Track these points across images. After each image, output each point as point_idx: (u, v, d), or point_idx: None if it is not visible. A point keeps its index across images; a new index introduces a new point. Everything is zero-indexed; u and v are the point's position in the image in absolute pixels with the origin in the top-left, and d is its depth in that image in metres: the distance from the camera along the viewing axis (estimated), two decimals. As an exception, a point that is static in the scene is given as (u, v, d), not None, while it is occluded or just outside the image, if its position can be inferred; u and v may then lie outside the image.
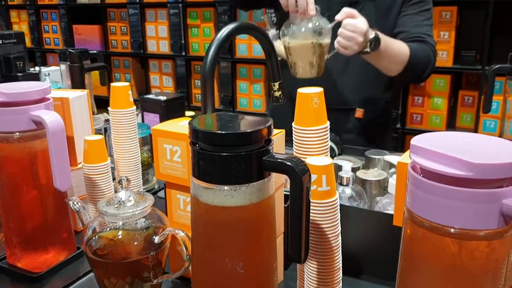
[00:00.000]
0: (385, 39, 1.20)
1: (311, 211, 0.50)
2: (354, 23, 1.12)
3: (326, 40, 1.15)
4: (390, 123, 1.65)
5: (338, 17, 1.14)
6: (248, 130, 0.43)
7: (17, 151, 0.67)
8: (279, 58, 1.02)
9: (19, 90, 0.66)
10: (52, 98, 0.71)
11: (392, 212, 0.69)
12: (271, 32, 1.25)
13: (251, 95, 3.05)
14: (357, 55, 1.27)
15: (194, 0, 3.06)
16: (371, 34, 1.15)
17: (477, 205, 0.36)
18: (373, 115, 1.46)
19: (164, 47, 3.26)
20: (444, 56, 2.44)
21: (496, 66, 1.22)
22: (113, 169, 0.82)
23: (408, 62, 1.27)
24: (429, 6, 1.39)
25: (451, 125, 2.58)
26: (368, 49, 1.16)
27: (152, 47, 3.32)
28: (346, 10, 1.14)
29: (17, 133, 0.66)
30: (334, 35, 1.16)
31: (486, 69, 2.25)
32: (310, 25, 1.13)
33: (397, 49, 1.26)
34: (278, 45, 1.23)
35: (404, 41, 1.30)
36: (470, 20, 2.49)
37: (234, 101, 3.11)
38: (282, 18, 1.20)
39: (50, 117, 0.65)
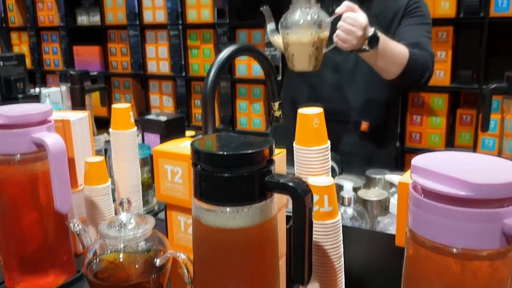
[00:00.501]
0: (384, 38, 1.20)
1: (313, 232, 0.50)
2: (354, 17, 1.11)
3: (325, 33, 1.14)
4: (394, 138, 1.65)
5: (338, 10, 1.14)
6: (250, 151, 0.43)
7: (18, 173, 0.67)
8: (277, 52, 1.01)
9: (21, 112, 0.67)
10: (54, 120, 0.72)
11: (394, 232, 0.68)
12: (270, 26, 1.24)
13: (251, 114, 3.07)
14: (358, 57, 1.27)
15: (194, 22, 3.10)
16: (370, 31, 1.14)
17: (478, 225, 0.36)
18: (378, 129, 1.47)
19: (164, 68, 3.29)
20: (442, 75, 2.47)
21: (493, 86, 1.23)
22: (113, 190, 0.82)
23: (407, 65, 1.27)
24: (428, 21, 1.41)
25: (450, 143, 2.59)
26: (366, 47, 1.15)
27: (152, 67, 3.35)
28: (346, 3, 1.14)
29: (19, 155, 0.67)
30: (333, 29, 1.16)
31: (483, 88, 2.27)
32: (309, 17, 1.12)
33: (396, 49, 1.25)
34: (276, 39, 1.22)
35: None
36: (466, 39, 2.52)
37: (234, 120, 3.12)
38: (280, 12, 1.20)
39: (52, 139, 0.65)
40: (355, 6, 1.14)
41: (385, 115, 1.50)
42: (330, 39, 1.17)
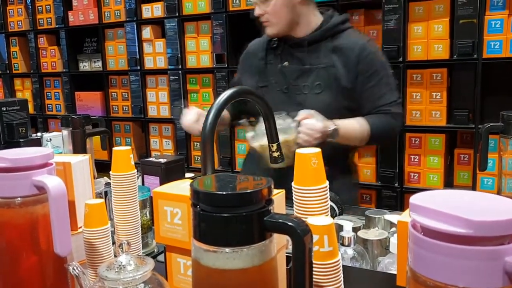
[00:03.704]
0: (345, 127, 1.38)
1: (313, 272, 0.49)
2: (311, 123, 1.31)
3: (293, 136, 1.33)
4: (355, 185, 1.71)
5: (297, 118, 1.33)
6: (249, 191, 0.44)
7: (18, 216, 0.67)
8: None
9: (22, 155, 0.67)
10: (55, 163, 0.72)
11: (395, 272, 0.67)
12: (250, 133, 1.41)
13: (250, 156, 3.08)
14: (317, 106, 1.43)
15: (193, 67, 3.18)
16: (331, 126, 1.33)
17: (479, 263, 0.36)
18: (338, 175, 1.48)
19: (164, 112, 3.34)
20: (438, 116, 2.50)
21: (489, 125, 1.24)
22: (112, 232, 0.81)
23: (369, 140, 1.46)
24: (385, 71, 1.49)
25: (449, 183, 2.59)
26: (329, 139, 1.35)
27: (152, 111, 3.40)
28: (303, 112, 1.34)
29: (19, 198, 0.67)
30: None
31: (479, 127, 2.30)
32: (286, 121, 1.32)
33: (358, 131, 1.43)
34: (255, 142, 1.39)
35: (370, 114, 1.47)
36: (461, 80, 2.57)
37: (233, 162, 3.13)
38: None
39: (53, 182, 0.65)
40: (312, 112, 1.33)
41: (344, 163, 1.57)
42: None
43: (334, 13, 1.56)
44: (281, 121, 1.31)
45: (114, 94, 3.59)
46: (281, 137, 1.26)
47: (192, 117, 1.46)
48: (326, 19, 1.53)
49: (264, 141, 1.28)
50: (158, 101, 3.36)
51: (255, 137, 1.36)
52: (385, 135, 1.51)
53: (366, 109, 1.47)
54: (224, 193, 0.44)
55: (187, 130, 1.50)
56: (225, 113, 1.69)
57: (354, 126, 1.43)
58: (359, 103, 1.48)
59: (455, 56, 2.40)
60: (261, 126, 1.29)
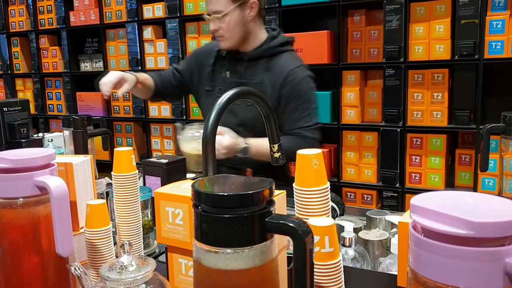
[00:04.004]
0: (256, 146, 1.49)
1: (314, 273, 0.49)
2: (218, 140, 1.40)
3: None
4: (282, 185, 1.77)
5: None
6: (250, 192, 0.44)
7: (20, 216, 0.67)
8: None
9: (24, 156, 0.68)
10: (56, 163, 0.73)
11: (396, 273, 0.68)
12: (178, 137, 1.51)
13: (251, 157, 3.08)
14: (242, 118, 1.57)
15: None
16: (242, 144, 1.45)
17: (480, 264, 0.36)
18: (264, 175, 1.53)
19: (166, 112, 3.34)
20: (439, 116, 2.50)
21: (490, 126, 1.24)
22: (114, 233, 0.81)
23: None
24: (304, 98, 1.58)
25: (450, 183, 2.59)
26: (240, 154, 1.45)
27: (153, 112, 3.40)
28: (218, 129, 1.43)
29: (21, 199, 0.67)
30: None
31: (480, 128, 2.30)
32: (190, 134, 1.45)
33: (268, 150, 1.47)
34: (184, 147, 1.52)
35: (286, 135, 1.57)
36: (462, 81, 2.57)
37: (234, 163, 3.13)
38: None
39: (55, 183, 0.66)
40: (225, 129, 1.44)
41: (267, 167, 1.61)
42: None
43: (279, 34, 1.67)
44: (201, 131, 1.43)
45: (115, 95, 3.59)
46: (195, 145, 1.42)
47: (112, 79, 1.57)
48: (268, 39, 1.64)
49: (190, 146, 1.41)
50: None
51: (182, 141, 1.43)
52: (293, 156, 1.58)
53: (285, 130, 1.58)
54: (225, 194, 0.44)
55: (101, 86, 1.59)
56: (149, 80, 1.77)
57: (265, 145, 1.50)
58: (280, 123, 1.57)
59: (456, 57, 2.40)
60: (188, 131, 1.42)
